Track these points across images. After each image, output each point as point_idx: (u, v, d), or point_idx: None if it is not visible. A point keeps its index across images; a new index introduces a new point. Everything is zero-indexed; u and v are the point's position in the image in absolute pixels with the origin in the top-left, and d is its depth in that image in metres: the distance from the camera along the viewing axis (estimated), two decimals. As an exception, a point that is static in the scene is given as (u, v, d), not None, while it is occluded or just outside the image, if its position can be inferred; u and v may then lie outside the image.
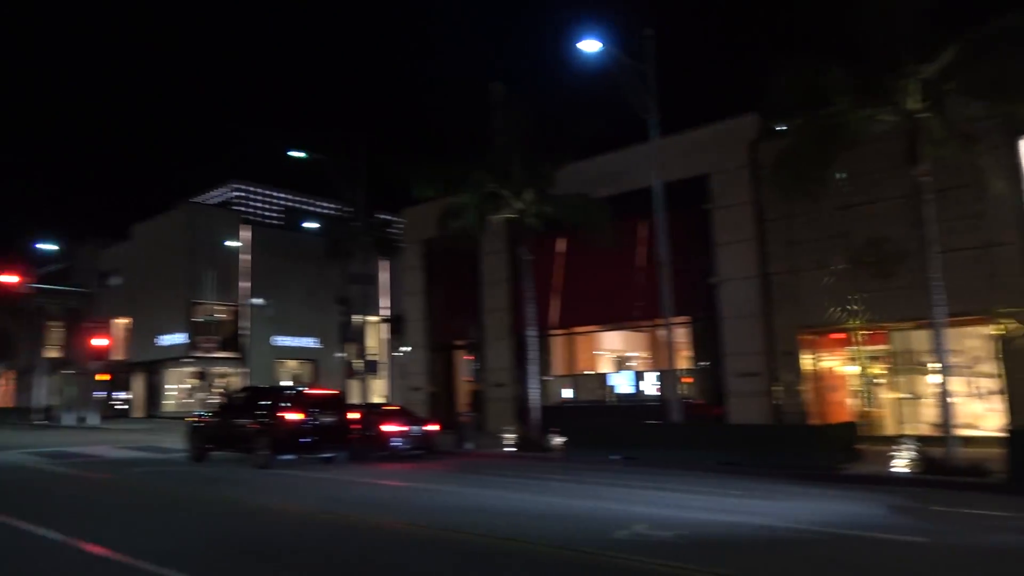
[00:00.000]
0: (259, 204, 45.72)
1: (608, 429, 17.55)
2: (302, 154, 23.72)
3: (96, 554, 7.85)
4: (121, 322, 47.12)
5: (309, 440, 16.34)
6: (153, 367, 44.72)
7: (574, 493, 12.30)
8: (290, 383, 43.96)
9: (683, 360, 20.83)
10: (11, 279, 37.22)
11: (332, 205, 49.36)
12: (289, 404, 16.65)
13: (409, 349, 40.59)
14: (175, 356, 42.05)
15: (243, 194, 44.71)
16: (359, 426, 17.70)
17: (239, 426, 17.02)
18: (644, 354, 25.89)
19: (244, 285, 42.50)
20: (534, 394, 19.30)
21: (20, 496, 12.82)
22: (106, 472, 15.99)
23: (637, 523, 9.16)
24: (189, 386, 44.10)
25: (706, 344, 20.88)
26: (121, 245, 47.34)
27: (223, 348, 40.14)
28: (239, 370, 42.50)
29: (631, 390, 23.06)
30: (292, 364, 45.57)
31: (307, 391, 18.03)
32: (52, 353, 52.51)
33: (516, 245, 23.57)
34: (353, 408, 18.56)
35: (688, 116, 21.45)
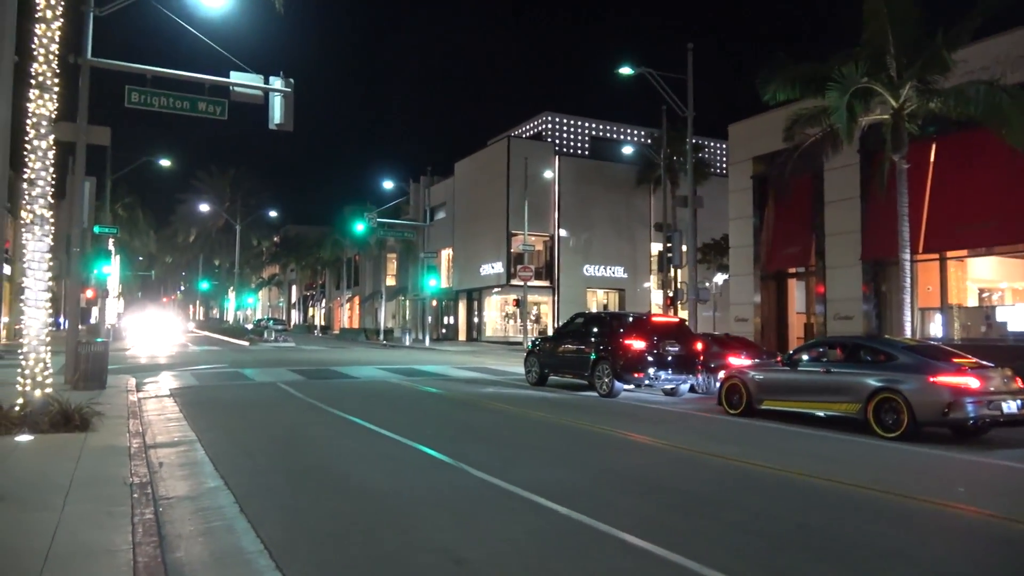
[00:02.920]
0: (568, 134, 45.15)
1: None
2: (630, 70, 22.23)
3: (493, 483, 7.29)
4: (447, 252, 50.69)
5: (653, 369, 15.46)
6: (474, 294, 47.59)
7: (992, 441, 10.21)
8: (598, 311, 44.10)
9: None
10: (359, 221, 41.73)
11: (638, 131, 47.76)
12: (632, 331, 15.78)
13: (725, 278, 38.21)
14: (493, 284, 44.11)
15: (553, 125, 44.43)
16: (702, 357, 16.45)
17: (577, 352, 16.73)
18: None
19: (555, 215, 42.96)
20: (907, 329, 16.21)
21: (398, 413, 13.32)
22: (460, 392, 16.42)
23: None
24: (505, 313, 46.28)
25: None
26: (446, 181, 50.52)
27: (537, 277, 41.07)
28: (551, 299, 43.45)
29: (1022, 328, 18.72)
30: (600, 294, 45.56)
31: (651, 318, 17.13)
32: (390, 281, 58.67)
33: (871, 155, 20.12)
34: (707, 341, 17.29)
35: None
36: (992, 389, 10.04)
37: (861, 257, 21.66)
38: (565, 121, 47.08)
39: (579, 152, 46.77)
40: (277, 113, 16.99)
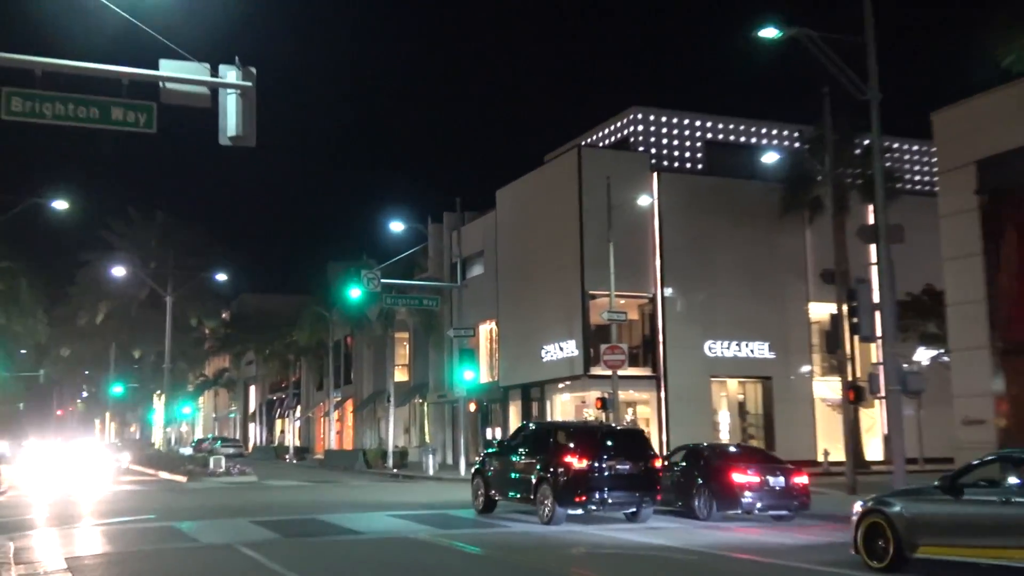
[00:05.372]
0: (670, 140, 44.63)
1: None
2: (776, 32, 21.70)
3: None
4: (488, 327, 50.18)
5: (599, 492, 19.01)
6: (533, 391, 46.74)
7: None
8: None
9: None
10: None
11: (779, 131, 47.32)
12: (576, 446, 19.61)
13: (933, 355, 36.89)
14: (564, 376, 43.34)
15: (646, 126, 43.76)
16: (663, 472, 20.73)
17: (522, 471, 20.45)
18: None
19: (657, 265, 42.30)
20: None
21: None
22: (531, 553, 15.65)
23: None
24: (585, 419, 45.23)
25: None
26: (484, 218, 50.40)
27: (633, 362, 40.20)
28: (655, 395, 42.42)
29: None
30: (732, 384, 44.50)
31: (598, 429, 22.29)
32: (401, 375, 58.38)
33: None
34: (700, 451, 22.26)
35: None
36: None
37: None
38: (664, 120, 46.85)
39: (689, 166, 46.43)
40: (232, 121, 16.80)
